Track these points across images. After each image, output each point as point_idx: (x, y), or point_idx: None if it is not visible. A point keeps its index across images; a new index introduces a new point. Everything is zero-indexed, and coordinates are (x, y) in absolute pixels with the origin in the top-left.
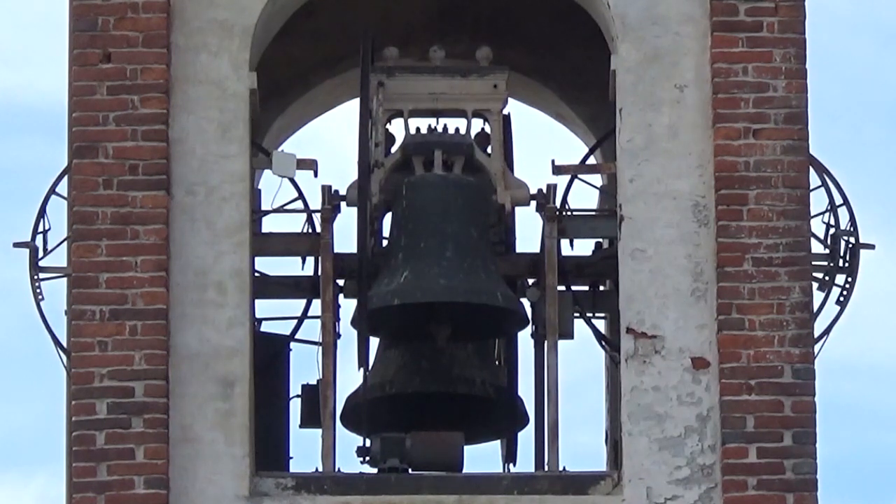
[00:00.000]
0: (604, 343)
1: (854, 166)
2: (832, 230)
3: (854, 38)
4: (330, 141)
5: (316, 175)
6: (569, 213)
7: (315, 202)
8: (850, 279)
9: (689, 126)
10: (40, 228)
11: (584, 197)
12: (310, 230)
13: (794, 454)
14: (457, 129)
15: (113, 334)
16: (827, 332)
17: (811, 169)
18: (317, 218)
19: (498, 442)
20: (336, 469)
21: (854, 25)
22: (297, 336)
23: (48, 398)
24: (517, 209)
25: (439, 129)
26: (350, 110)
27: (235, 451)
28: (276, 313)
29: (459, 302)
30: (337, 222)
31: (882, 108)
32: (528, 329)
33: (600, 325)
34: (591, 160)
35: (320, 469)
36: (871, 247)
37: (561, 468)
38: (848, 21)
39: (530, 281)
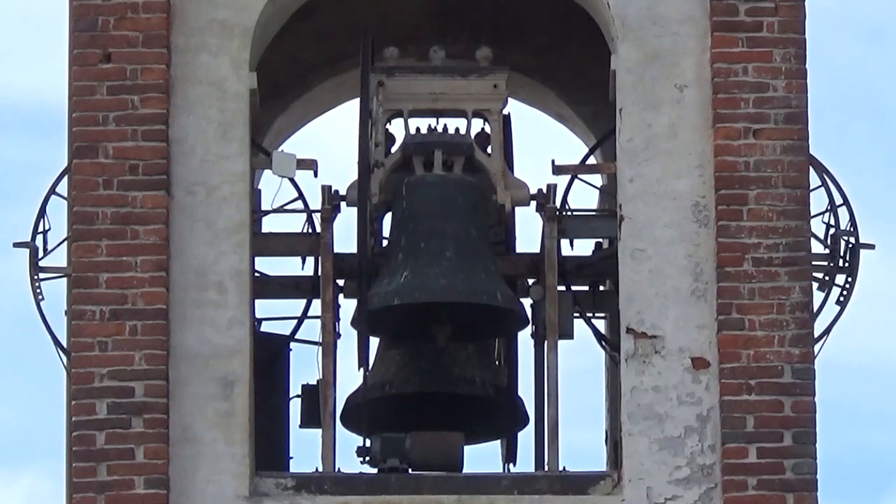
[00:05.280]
0: (604, 343)
1: (854, 166)
2: (832, 230)
3: (854, 38)
4: (330, 141)
5: (316, 175)
6: (569, 213)
7: (315, 202)
8: (850, 279)
9: (689, 126)
10: (40, 228)
11: (584, 197)
12: (310, 230)
13: (794, 454)
14: (457, 129)
15: (113, 334)
16: (827, 332)
17: (811, 169)
18: (317, 218)
19: (498, 442)
20: (336, 469)
21: (851, 24)
22: (297, 336)
23: (40, 397)
24: (517, 209)
25: (439, 129)
26: (350, 110)
27: (235, 451)
28: (276, 313)
29: (459, 302)
30: (337, 222)
31: (882, 108)
32: (528, 329)
33: (600, 325)
34: (591, 160)
35: (320, 469)
36: (871, 247)
37: (561, 468)
38: (845, 20)
39: (531, 281)
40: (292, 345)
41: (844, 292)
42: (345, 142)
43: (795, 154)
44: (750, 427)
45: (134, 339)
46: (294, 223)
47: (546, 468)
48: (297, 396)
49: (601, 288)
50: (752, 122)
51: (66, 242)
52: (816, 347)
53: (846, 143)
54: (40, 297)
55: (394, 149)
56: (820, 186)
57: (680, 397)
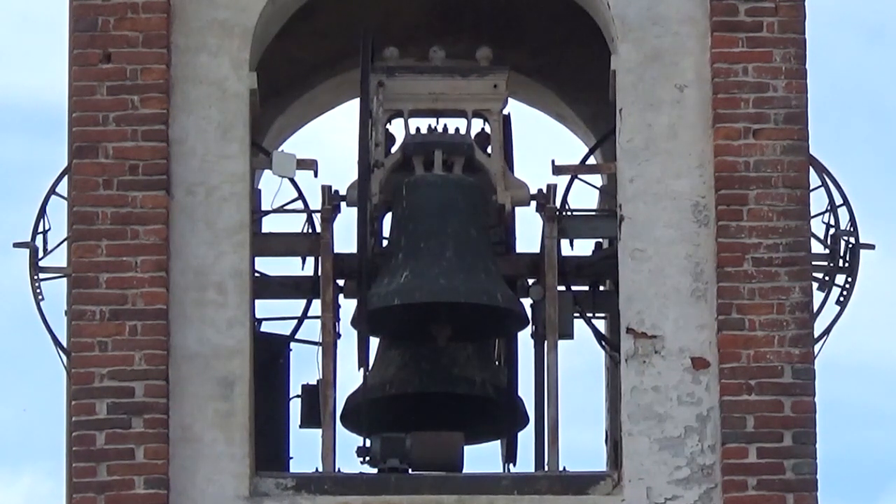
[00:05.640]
0: (604, 343)
1: (854, 166)
2: (832, 230)
3: (854, 38)
4: (330, 141)
5: (316, 175)
6: (569, 213)
7: (315, 202)
8: (850, 279)
9: (689, 126)
10: (40, 228)
11: (584, 197)
12: (310, 230)
13: (794, 454)
14: (457, 129)
15: (113, 334)
16: (827, 332)
17: (811, 169)
18: (317, 218)
19: (498, 442)
20: (336, 469)
21: (851, 24)
22: (297, 336)
23: (40, 397)
24: (517, 209)
25: (439, 129)
26: (350, 110)
27: (235, 451)
28: (276, 313)
29: (459, 302)
30: (337, 222)
31: (882, 108)
32: (528, 329)
33: (600, 325)
34: (591, 160)
35: (320, 469)
36: (871, 247)
37: (561, 468)
38: (845, 20)
39: (531, 281)
40: (292, 345)
41: (844, 292)
42: (345, 142)
43: (795, 154)
44: (750, 427)
45: (134, 339)
46: (294, 223)
47: (546, 468)
48: (297, 396)
49: (601, 288)
50: (752, 122)
51: (66, 242)
52: (816, 347)
53: (846, 143)
54: (40, 297)
55: (394, 149)
56: (820, 186)
57: (680, 397)
